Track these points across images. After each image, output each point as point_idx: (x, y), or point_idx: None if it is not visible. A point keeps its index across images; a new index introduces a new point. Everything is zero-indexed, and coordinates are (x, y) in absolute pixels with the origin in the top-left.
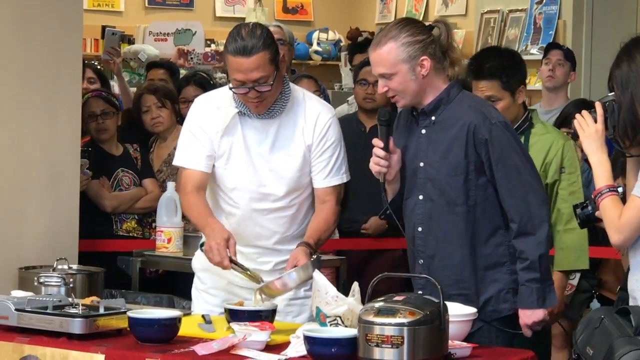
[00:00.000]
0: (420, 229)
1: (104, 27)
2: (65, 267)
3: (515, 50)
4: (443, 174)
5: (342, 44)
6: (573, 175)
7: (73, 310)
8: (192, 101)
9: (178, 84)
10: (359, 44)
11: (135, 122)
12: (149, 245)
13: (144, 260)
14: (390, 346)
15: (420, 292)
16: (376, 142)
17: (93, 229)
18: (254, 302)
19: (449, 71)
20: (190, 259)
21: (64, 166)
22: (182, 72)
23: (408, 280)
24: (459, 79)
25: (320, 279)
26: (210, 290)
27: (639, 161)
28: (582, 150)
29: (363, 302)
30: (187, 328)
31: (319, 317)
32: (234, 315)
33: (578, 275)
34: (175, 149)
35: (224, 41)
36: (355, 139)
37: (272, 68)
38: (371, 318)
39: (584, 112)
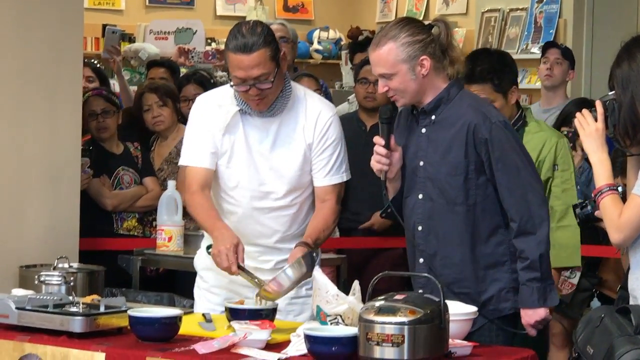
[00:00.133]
0: (420, 228)
1: (104, 26)
2: (66, 265)
3: (504, 51)
4: (443, 173)
5: (342, 43)
6: (566, 172)
7: (73, 309)
8: (192, 100)
9: (178, 82)
10: (359, 43)
11: (135, 121)
12: (149, 244)
13: (145, 258)
14: (390, 345)
15: (420, 291)
16: (377, 140)
17: (94, 228)
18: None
19: (449, 70)
20: (191, 258)
21: (65, 165)
22: (183, 70)
23: (408, 279)
24: (458, 77)
25: (320, 277)
26: (213, 289)
27: (639, 160)
28: (582, 149)
29: (363, 301)
30: (187, 327)
31: (319, 316)
32: (235, 314)
33: (578, 274)
34: (176, 147)
35: (225, 40)
36: (356, 138)
37: (272, 65)
38: (372, 317)
39: (585, 110)
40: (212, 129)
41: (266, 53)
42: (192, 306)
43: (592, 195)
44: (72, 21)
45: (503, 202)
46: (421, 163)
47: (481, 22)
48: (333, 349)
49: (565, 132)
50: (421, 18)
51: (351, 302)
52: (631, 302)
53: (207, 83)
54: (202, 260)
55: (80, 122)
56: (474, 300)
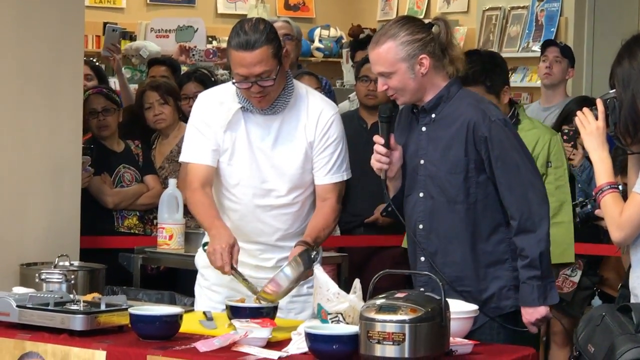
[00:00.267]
0: (421, 226)
1: (105, 24)
2: (67, 263)
3: (494, 52)
4: (443, 171)
5: (343, 41)
6: (559, 169)
7: (74, 307)
8: (193, 98)
9: (179, 80)
10: (360, 41)
11: (136, 119)
12: (150, 242)
13: (146, 257)
14: (391, 343)
15: (421, 289)
16: (377, 138)
17: (94, 226)
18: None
19: (449, 68)
20: (192, 256)
21: (66, 163)
22: (184, 68)
23: (409, 277)
24: (458, 76)
25: (321, 275)
26: (214, 287)
27: None
28: (583, 147)
29: (364, 299)
30: (188, 325)
31: (320, 314)
32: (236, 312)
33: (579, 272)
34: (177, 145)
35: (226, 38)
36: (356, 136)
37: (274, 62)
38: (373, 315)
39: (585, 109)
40: (213, 126)
41: (268, 50)
42: (192, 304)
43: (593, 193)
44: (73, 20)
45: (503, 200)
46: (422, 161)
47: (482, 20)
48: (334, 347)
49: (566, 130)
50: (422, 16)
51: (352, 300)
52: (632, 301)
53: (207, 81)
54: (203, 258)
55: (81, 120)
56: (474, 299)
